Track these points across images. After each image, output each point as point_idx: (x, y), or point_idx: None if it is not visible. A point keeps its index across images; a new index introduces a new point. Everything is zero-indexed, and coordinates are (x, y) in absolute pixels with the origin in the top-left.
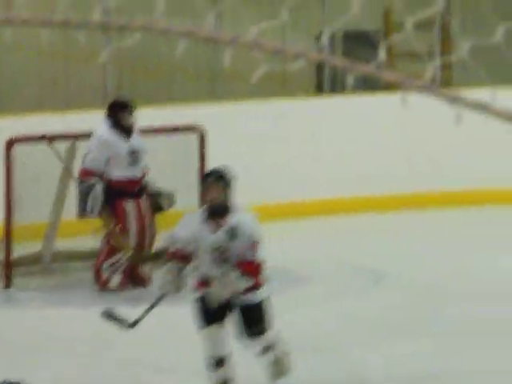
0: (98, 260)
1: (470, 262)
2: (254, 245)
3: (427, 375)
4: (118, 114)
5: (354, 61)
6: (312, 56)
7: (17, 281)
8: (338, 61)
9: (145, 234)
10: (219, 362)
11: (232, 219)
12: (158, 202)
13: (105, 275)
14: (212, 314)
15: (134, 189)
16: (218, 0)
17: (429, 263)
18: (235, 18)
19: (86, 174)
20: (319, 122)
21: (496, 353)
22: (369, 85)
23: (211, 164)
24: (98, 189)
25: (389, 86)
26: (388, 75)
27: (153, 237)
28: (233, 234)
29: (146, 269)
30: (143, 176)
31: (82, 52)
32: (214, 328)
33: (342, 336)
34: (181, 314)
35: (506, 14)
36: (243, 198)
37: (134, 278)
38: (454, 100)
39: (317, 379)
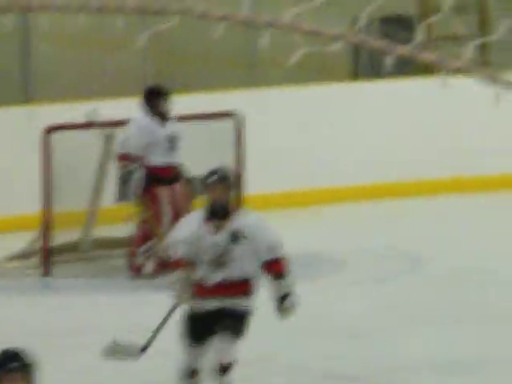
0: (132, 246)
1: (509, 247)
2: (273, 245)
3: (470, 362)
4: (154, 101)
5: (392, 44)
6: (349, 38)
7: (55, 268)
8: (376, 43)
9: (179, 220)
10: (192, 374)
11: (235, 221)
12: (193, 189)
13: (138, 261)
14: (200, 331)
15: (171, 175)
16: None
17: (466, 247)
18: (271, 1)
19: (124, 158)
20: (357, 107)
21: None
22: (406, 69)
23: (248, 150)
24: (138, 175)
25: (426, 70)
26: (426, 56)
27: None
28: (235, 236)
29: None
30: (180, 162)
31: (118, 38)
32: (199, 346)
33: (380, 322)
34: None
35: None
36: (279, 184)
37: (167, 265)
38: (493, 80)
39: (355, 365)
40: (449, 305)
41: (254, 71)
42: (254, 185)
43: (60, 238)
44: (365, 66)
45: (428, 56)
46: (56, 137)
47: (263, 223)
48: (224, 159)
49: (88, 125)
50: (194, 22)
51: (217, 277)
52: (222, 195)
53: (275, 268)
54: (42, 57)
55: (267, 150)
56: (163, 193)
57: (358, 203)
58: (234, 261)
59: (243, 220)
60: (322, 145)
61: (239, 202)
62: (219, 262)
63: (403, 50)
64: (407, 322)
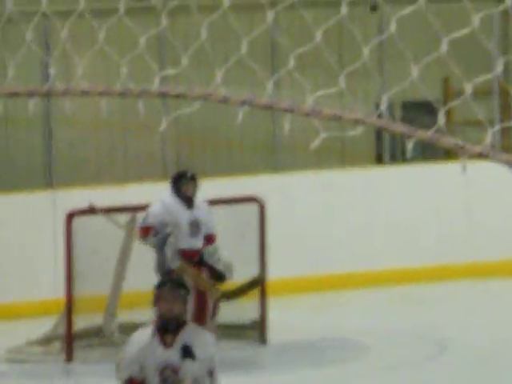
0: None
1: None
2: (212, 370)
3: None
4: (180, 184)
5: (413, 128)
6: (371, 122)
7: (78, 353)
8: (398, 127)
9: (203, 305)
10: None
11: (187, 335)
12: (217, 273)
13: None
14: None
15: (194, 259)
16: (276, 68)
17: (492, 332)
18: (293, 86)
19: (146, 231)
20: (380, 192)
21: None
22: (428, 154)
23: (271, 235)
24: (172, 239)
25: (448, 155)
26: (447, 141)
27: (215, 307)
28: (186, 352)
29: (212, 325)
30: (203, 246)
31: (140, 122)
32: None
33: None
34: None
35: None
36: (303, 269)
37: None
38: None
39: None
40: None
41: (276, 156)
42: (276, 268)
43: (83, 322)
44: (388, 150)
45: (448, 141)
46: (78, 221)
47: (214, 344)
48: (247, 243)
49: (109, 210)
50: (215, 107)
51: None
52: (176, 306)
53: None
54: (64, 141)
55: (290, 234)
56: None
57: (381, 287)
58: (191, 378)
59: (197, 335)
60: (345, 230)
61: (263, 288)
62: (172, 380)
63: (425, 134)
64: None
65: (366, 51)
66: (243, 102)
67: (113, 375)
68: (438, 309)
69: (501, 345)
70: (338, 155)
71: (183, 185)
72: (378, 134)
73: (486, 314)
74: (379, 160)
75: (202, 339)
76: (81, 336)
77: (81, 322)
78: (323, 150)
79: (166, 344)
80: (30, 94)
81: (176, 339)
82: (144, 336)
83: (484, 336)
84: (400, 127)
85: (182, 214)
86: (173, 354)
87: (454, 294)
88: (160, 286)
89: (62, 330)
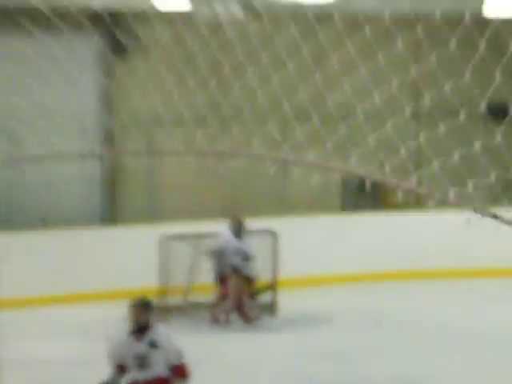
0: (213, 307)
1: None
2: (179, 353)
3: None
4: (237, 224)
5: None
6: (372, 174)
7: (167, 318)
8: (392, 180)
9: (240, 299)
10: None
11: (153, 334)
12: (249, 278)
13: (217, 315)
14: None
15: (237, 269)
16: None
17: None
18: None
19: (214, 254)
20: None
21: None
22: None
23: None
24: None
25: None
26: (422, 190)
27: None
28: (152, 344)
29: (252, 312)
30: (244, 264)
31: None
32: None
33: None
34: None
35: None
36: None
37: (242, 317)
38: (486, 214)
39: None
40: None
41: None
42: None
43: (171, 301)
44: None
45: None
46: (172, 243)
47: (169, 335)
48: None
49: (184, 237)
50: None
51: (140, 377)
52: (142, 317)
53: (179, 371)
54: (161, 176)
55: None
56: (231, 283)
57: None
58: (152, 364)
59: (157, 332)
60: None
61: (274, 288)
62: (142, 365)
63: (409, 184)
64: None
65: None
66: (254, 155)
67: (190, 331)
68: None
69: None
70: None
71: (239, 225)
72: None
73: None
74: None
75: (164, 336)
76: (170, 309)
77: (170, 301)
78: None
79: (138, 340)
80: (138, 154)
81: (145, 337)
82: (123, 336)
83: None
84: (393, 180)
85: (236, 244)
86: (143, 347)
87: None
88: (132, 305)
89: (158, 306)
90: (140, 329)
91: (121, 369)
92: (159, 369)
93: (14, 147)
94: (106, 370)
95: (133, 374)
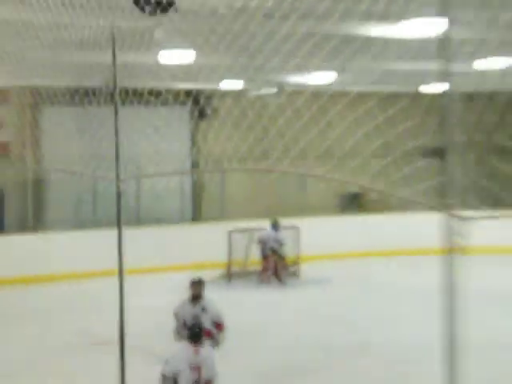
0: (261, 273)
1: None
2: (219, 315)
3: None
4: (276, 223)
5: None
6: (366, 185)
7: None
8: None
9: (277, 269)
10: None
11: (203, 301)
12: (282, 255)
13: (263, 279)
14: None
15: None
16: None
17: None
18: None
19: (260, 241)
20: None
21: None
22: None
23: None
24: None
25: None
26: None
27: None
28: (203, 309)
29: (284, 276)
30: (278, 247)
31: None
32: None
33: None
34: None
35: None
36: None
37: (277, 279)
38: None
39: None
40: None
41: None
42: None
43: (234, 270)
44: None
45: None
46: (234, 234)
47: (215, 303)
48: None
49: (242, 230)
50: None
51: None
52: (199, 291)
53: (219, 327)
54: (231, 195)
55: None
56: (271, 259)
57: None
58: (202, 322)
59: (206, 300)
60: None
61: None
62: (197, 324)
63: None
64: None
65: None
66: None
67: (245, 289)
68: None
69: None
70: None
71: (277, 224)
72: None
73: None
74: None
75: (211, 304)
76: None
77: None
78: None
79: (194, 305)
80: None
81: (198, 303)
82: (185, 302)
83: None
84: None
85: (272, 236)
86: (198, 310)
87: None
88: (192, 281)
89: (226, 273)
90: (196, 297)
91: (184, 323)
92: (207, 325)
93: (137, 171)
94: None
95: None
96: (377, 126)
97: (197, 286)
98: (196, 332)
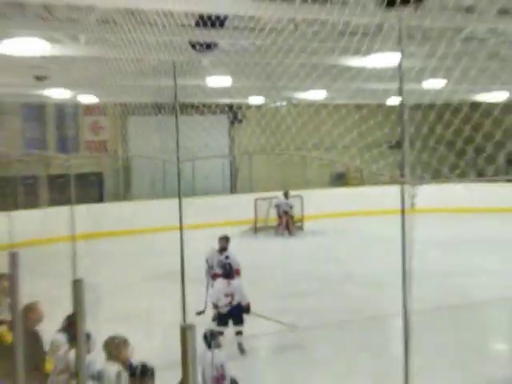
0: (278, 226)
1: None
2: (238, 263)
3: None
4: (286, 192)
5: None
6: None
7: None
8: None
9: (289, 224)
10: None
11: (227, 252)
12: (291, 215)
13: (280, 231)
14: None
15: (286, 212)
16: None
17: None
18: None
19: (277, 205)
20: None
21: None
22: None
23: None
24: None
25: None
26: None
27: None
28: (227, 257)
29: (293, 230)
30: (289, 210)
31: None
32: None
33: None
34: None
35: None
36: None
37: (288, 232)
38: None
39: None
40: None
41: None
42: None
43: (258, 225)
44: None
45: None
46: (259, 201)
47: (235, 254)
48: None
49: (264, 198)
50: None
51: (219, 272)
52: (225, 244)
53: (238, 272)
54: (257, 173)
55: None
56: (284, 217)
57: None
58: (226, 268)
59: (229, 251)
60: None
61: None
62: (223, 267)
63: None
64: None
65: None
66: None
67: (268, 239)
68: None
69: None
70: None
71: (287, 193)
72: None
73: None
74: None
75: (232, 254)
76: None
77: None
78: None
79: (221, 254)
80: None
81: (224, 253)
82: (214, 250)
83: None
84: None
85: (283, 202)
86: (223, 258)
87: None
88: (220, 237)
89: (255, 227)
90: (222, 249)
91: (211, 266)
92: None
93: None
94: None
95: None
96: (354, 123)
97: (223, 240)
98: (228, 271)
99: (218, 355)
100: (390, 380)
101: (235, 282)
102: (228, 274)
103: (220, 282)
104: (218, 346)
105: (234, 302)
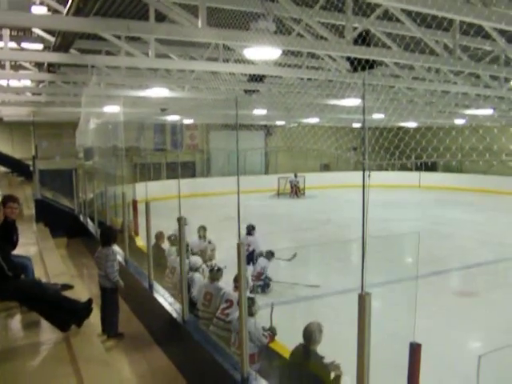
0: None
1: None
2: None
3: None
4: (295, 174)
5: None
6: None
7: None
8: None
9: (297, 192)
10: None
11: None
12: (299, 187)
13: (292, 194)
14: None
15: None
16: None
17: None
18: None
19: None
20: None
21: None
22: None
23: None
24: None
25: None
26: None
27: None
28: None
29: (298, 194)
30: (296, 183)
31: None
32: None
33: None
34: None
35: None
36: None
37: (296, 195)
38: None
39: None
40: None
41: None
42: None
43: (280, 193)
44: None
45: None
46: (280, 180)
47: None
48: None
49: (282, 177)
50: None
51: None
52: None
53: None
54: (279, 161)
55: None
56: (294, 188)
57: None
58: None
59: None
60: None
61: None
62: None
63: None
64: None
65: None
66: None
67: (281, 202)
68: None
69: None
70: None
71: (296, 175)
72: None
73: None
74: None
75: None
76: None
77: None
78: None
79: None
80: None
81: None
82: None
83: None
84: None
85: (294, 179)
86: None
87: None
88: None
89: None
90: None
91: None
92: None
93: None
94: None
95: None
96: (336, 137)
97: (250, 229)
98: (249, 226)
99: (262, 261)
100: (351, 277)
101: (254, 237)
102: (248, 229)
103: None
104: (263, 255)
105: (249, 251)
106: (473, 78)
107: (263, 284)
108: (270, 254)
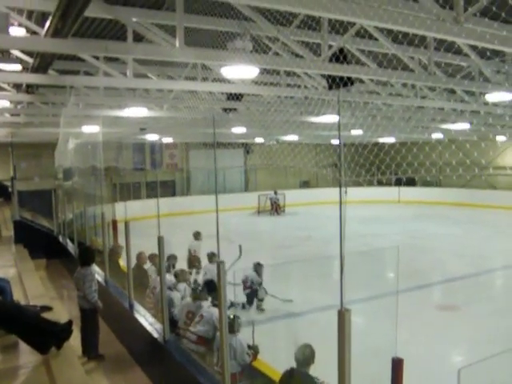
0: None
1: None
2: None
3: None
4: (275, 191)
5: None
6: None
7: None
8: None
9: (278, 210)
10: None
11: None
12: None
13: (272, 212)
14: None
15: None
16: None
17: None
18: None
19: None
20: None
21: None
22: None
23: None
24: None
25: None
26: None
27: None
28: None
29: (278, 211)
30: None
31: None
32: None
33: None
34: None
35: None
36: None
37: (276, 212)
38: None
39: None
40: None
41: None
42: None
43: (260, 212)
44: None
45: None
46: (261, 197)
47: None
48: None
49: (262, 195)
50: None
51: None
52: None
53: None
54: (258, 179)
55: None
56: (274, 206)
57: None
58: None
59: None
60: None
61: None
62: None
63: None
64: None
65: None
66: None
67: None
68: None
69: None
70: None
71: (276, 192)
72: None
73: None
74: None
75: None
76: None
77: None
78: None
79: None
80: None
81: None
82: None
83: None
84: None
85: (274, 196)
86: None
87: None
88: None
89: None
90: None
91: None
92: None
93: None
94: None
95: None
96: (314, 154)
97: (211, 256)
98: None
99: (251, 275)
100: (332, 287)
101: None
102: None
103: None
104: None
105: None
106: (446, 93)
107: (250, 292)
108: (258, 266)
